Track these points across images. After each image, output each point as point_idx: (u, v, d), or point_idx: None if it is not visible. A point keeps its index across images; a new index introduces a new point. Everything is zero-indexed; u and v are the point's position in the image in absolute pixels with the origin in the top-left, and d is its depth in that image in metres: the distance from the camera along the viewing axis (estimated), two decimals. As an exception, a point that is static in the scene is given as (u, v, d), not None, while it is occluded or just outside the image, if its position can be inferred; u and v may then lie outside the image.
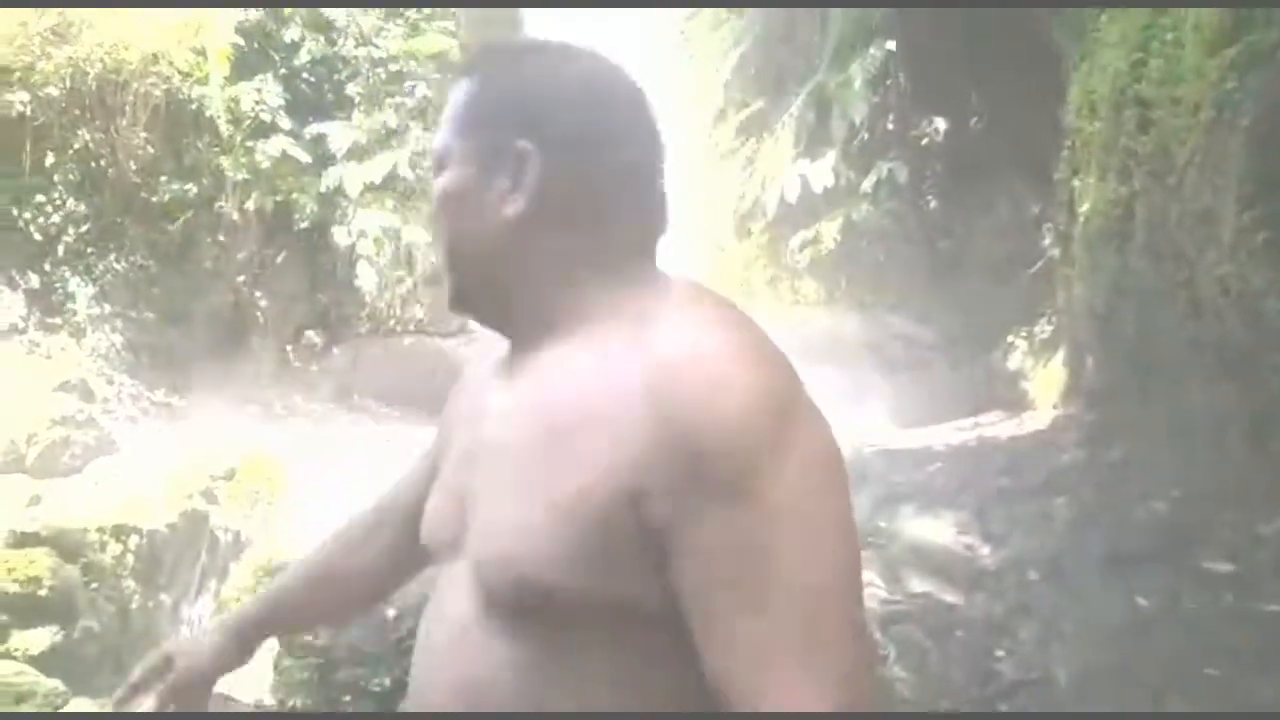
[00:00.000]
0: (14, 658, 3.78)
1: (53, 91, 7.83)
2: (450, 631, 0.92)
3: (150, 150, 8.35)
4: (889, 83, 7.79)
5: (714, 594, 0.78)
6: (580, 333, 0.89)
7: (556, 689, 0.85)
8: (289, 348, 9.22)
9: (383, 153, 9.22)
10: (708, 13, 9.24)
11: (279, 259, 9.20)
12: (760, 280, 8.31)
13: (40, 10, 7.64)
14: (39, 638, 3.89)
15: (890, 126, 7.80)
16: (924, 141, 7.71)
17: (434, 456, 1.12)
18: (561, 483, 0.83)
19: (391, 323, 9.60)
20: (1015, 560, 4.52)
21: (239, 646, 1.24)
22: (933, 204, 7.68)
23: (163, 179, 8.42)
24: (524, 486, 0.85)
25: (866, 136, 7.69)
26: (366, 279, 9.21)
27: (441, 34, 9.75)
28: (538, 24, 10.20)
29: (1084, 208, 5.78)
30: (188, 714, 1.20)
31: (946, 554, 4.65)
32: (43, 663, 3.77)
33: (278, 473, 5.99)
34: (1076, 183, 5.94)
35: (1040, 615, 4.02)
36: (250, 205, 8.80)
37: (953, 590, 4.36)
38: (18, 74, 7.67)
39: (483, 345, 1.13)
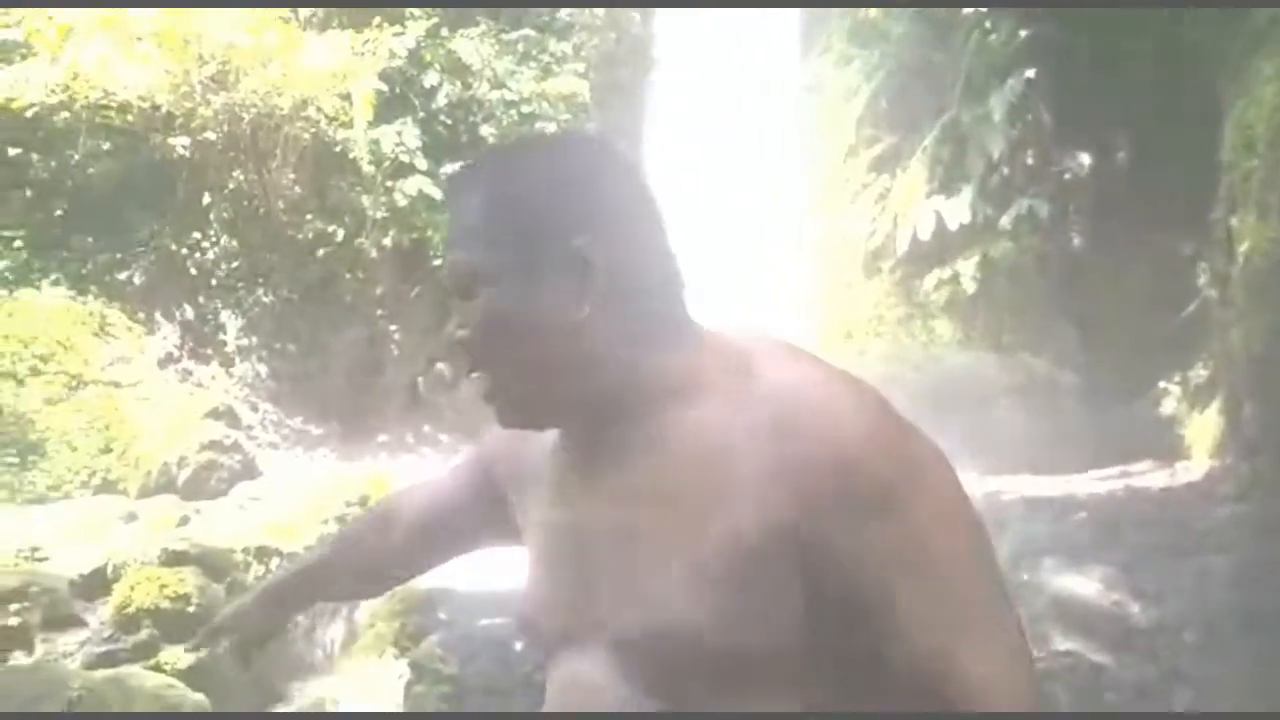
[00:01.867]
0: (164, 671, 3.94)
1: (210, 136, 8.30)
2: (612, 715, 0.89)
3: (297, 190, 8.75)
4: (1029, 116, 7.55)
5: (893, 590, 0.80)
6: (676, 401, 0.89)
7: None
8: (420, 379, 9.47)
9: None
10: (836, 49, 9.16)
11: (413, 294, 9.49)
12: (891, 319, 8.11)
13: (202, 59, 8.13)
14: (187, 654, 4.04)
15: (1030, 161, 7.55)
16: (1066, 176, 7.43)
17: (471, 499, 1.20)
18: (707, 540, 0.83)
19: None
20: (1169, 620, 4.27)
21: (281, 614, 1.43)
22: (1076, 241, 7.38)
23: (308, 217, 8.81)
24: (666, 556, 0.85)
25: (1006, 171, 7.46)
26: (495, 314, 9.40)
27: (573, 75, 9.95)
28: (667, 68, 10.29)
29: (1243, 247, 5.46)
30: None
31: (1093, 611, 4.41)
32: (189, 677, 3.91)
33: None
34: (1234, 221, 5.63)
35: (1195, 680, 3.79)
36: (388, 242, 9.11)
37: (1101, 650, 4.14)
38: (180, 119, 8.17)
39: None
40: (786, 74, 9.59)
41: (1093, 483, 6.29)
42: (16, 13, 7.87)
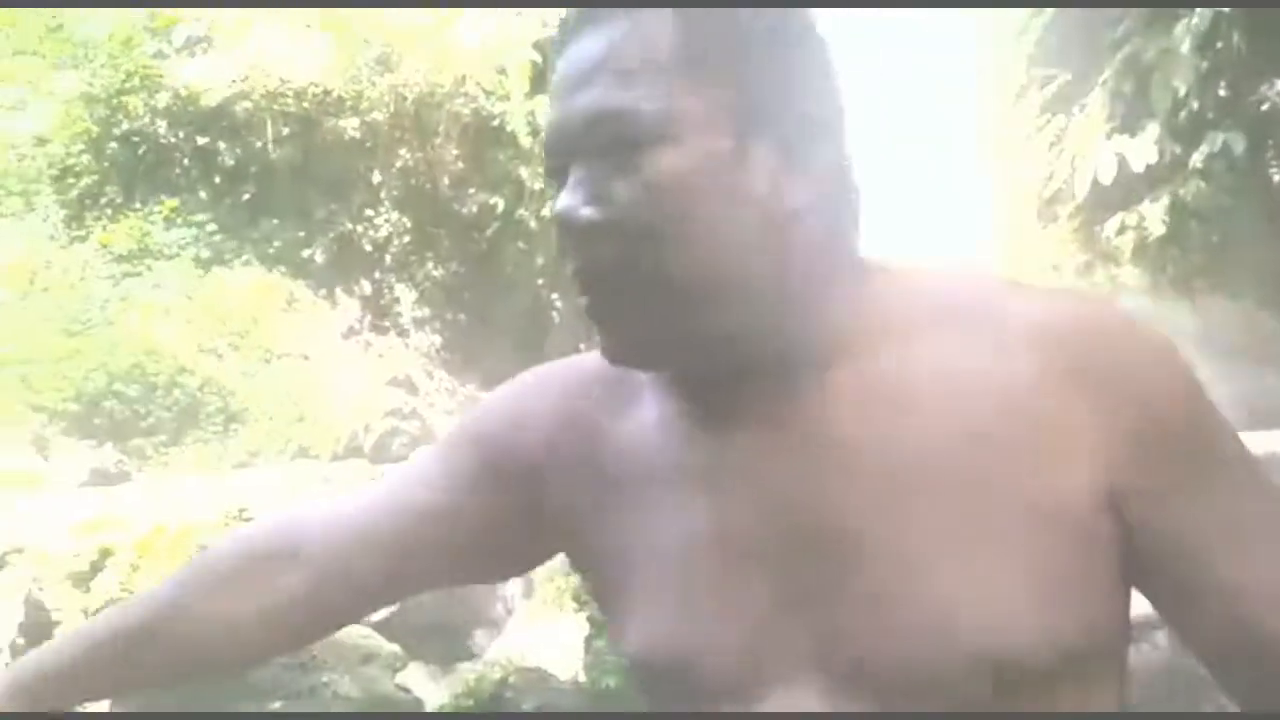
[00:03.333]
0: (360, 622, 4.19)
1: (378, 116, 8.64)
2: None
3: (460, 165, 9.01)
4: (1220, 44, 6.96)
5: (1249, 553, 0.65)
6: (901, 339, 0.67)
7: None
8: (581, 346, 9.65)
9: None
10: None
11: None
12: (1071, 268, 7.70)
13: (367, 43, 8.45)
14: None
15: (1222, 93, 6.97)
16: (1264, 107, 6.82)
17: (457, 515, 0.79)
18: (1019, 521, 0.63)
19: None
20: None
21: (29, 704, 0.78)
22: (1277, 178, 6.78)
23: (470, 191, 9.07)
24: (959, 551, 0.63)
25: (1195, 105, 6.92)
26: (653, 279, 9.47)
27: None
28: (832, 22, 10.02)
29: None
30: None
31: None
32: (383, 628, 4.15)
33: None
34: None
35: None
36: (546, 212, 9.29)
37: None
38: (349, 102, 8.54)
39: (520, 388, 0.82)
40: (950, 13, 9.20)
41: (1302, 437, 5.82)
42: (197, 8, 8.38)
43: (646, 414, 0.73)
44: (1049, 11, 7.97)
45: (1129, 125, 7.21)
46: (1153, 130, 7.04)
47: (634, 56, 0.65)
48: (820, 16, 0.73)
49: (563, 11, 0.71)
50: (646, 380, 0.74)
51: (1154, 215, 7.00)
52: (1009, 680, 0.62)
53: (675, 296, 0.65)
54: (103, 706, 3.92)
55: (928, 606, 0.63)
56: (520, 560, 0.85)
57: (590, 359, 0.77)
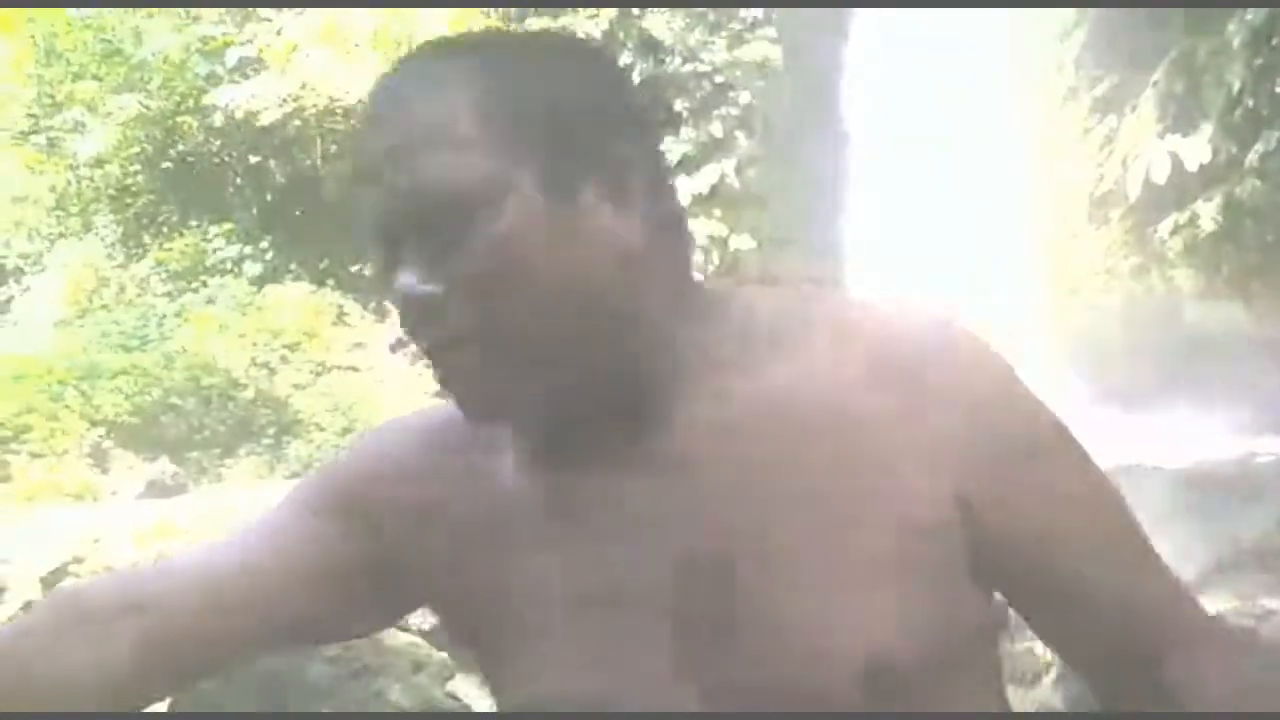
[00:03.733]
0: (409, 631, 4.23)
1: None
2: None
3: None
4: (1274, 40, 6.82)
5: (1088, 543, 0.69)
6: (742, 368, 0.67)
7: None
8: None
9: (709, 164, 9.45)
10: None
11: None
12: (1124, 270, 7.57)
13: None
14: (429, 615, 4.32)
15: (1278, 90, 6.82)
16: (1323, 103, 6.66)
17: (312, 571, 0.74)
18: (873, 532, 0.64)
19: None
20: None
21: None
22: (1337, 174, 6.61)
23: (515, 203, 9.15)
24: (820, 569, 0.64)
25: (1250, 103, 6.77)
26: (699, 287, 9.48)
27: (765, 41, 9.83)
28: (865, 23, 9.99)
29: None
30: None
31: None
32: (432, 637, 4.18)
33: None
34: None
35: None
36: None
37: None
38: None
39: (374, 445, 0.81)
40: (991, 17, 9.10)
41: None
42: (248, 29, 8.57)
43: (506, 459, 0.73)
44: (1095, 11, 7.87)
45: (1181, 124, 7.08)
46: (1206, 129, 6.91)
47: (439, 130, 0.64)
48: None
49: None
50: (504, 427, 0.73)
51: (1207, 214, 6.87)
52: (881, 688, 0.63)
53: (524, 352, 0.65)
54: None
55: (797, 626, 0.64)
56: (378, 615, 0.81)
57: (449, 409, 0.74)
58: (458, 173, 0.63)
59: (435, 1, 8.59)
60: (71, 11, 9.22)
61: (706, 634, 0.66)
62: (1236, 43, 6.85)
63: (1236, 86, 6.89)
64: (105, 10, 9.23)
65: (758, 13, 9.96)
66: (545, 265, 0.64)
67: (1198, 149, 6.87)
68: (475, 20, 8.69)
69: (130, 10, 9.14)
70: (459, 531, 0.74)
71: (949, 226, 8.18)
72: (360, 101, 8.39)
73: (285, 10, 8.54)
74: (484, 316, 0.64)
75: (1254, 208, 6.75)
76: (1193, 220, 7.01)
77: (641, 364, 0.68)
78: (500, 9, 9.16)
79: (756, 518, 0.65)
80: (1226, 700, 0.69)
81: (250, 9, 8.77)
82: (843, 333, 0.68)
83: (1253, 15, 6.76)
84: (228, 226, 8.30)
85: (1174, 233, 7.19)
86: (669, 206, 0.70)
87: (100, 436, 6.46)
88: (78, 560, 4.57)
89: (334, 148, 8.59)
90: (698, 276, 0.72)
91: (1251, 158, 6.73)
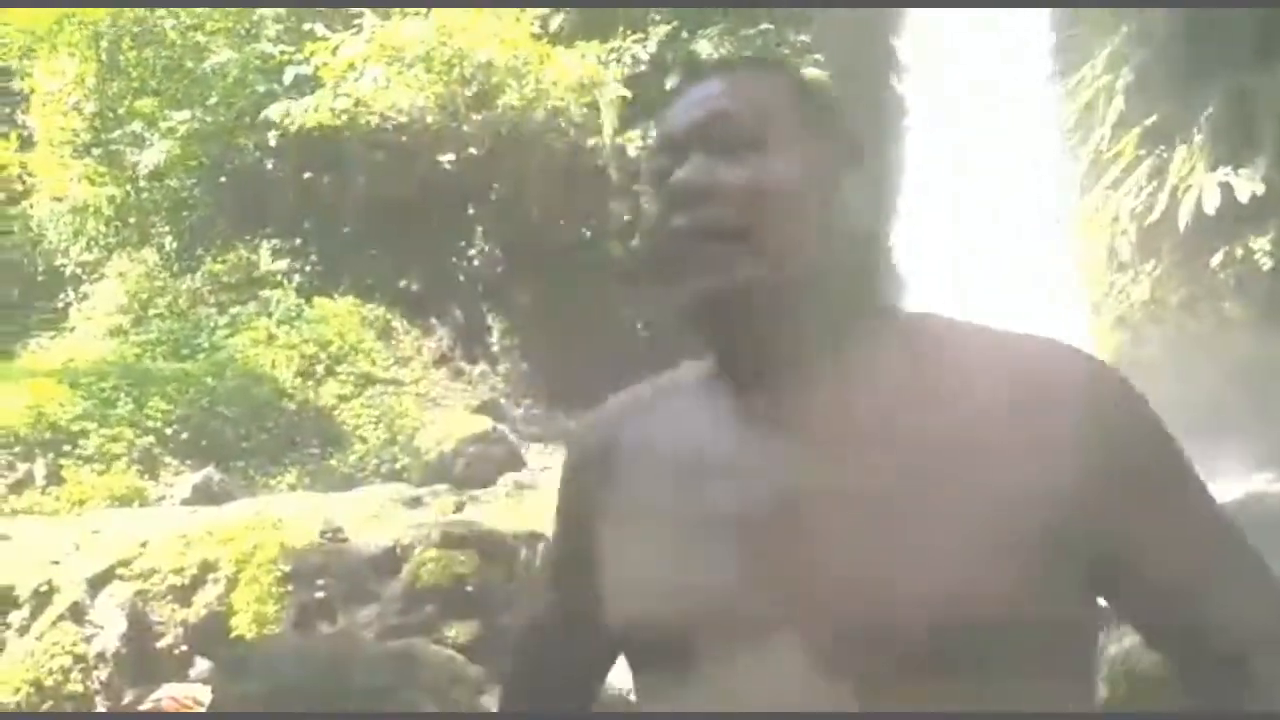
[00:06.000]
0: (446, 644, 4.25)
1: (473, 150, 8.88)
2: (826, 711, 0.74)
3: (551, 197, 9.19)
4: (1331, 72, 6.71)
5: (1200, 563, 0.78)
6: (892, 357, 0.81)
7: None
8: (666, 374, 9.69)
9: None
10: (1099, 16, 8.53)
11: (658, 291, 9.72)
12: (1173, 302, 7.45)
13: (464, 79, 8.71)
14: (466, 629, 4.36)
15: (1334, 123, 6.70)
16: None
17: (584, 540, 0.90)
18: (982, 505, 0.74)
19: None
20: None
21: None
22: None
23: (560, 223, 9.22)
24: (943, 527, 0.73)
25: (1306, 136, 6.67)
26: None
27: (813, 66, 9.85)
28: (915, 48, 9.97)
29: None
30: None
31: None
32: (469, 651, 4.21)
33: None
34: None
35: None
36: (634, 243, 9.38)
37: None
38: (446, 137, 8.79)
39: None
40: (1042, 42, 9.03)
41: None
42: (306, 48, 8.76)
43: (680, 415, 0.88)
44: (1148, 44, 7.79)
45: (1234, 156, 6.98)
46: (1260, 162, 6.81)
47: (757, 86, 0.85)
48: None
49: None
50: (683, 384, 0.89)
51: (1261, 248, 6.75)
52: (948, 640, 0.72)
53: (752, 252, 0.79)
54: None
55: (878, 573, 0.74)
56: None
57: (649, 382, 0.94)
58: (759, 113, 0.83)
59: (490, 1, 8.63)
60: (132, 23, 9.46)
61: (799, 565, 0.76)
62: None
63: (1292, 119, 6.78)
64: (167, 24, 9.48)
65: (805, 37, 9.98)
66: (795, 205, 0.81)
67: (1250, 180, 6.77)
68: (523, 40, 8.80)
69: (192, 26, 9.38)
70: (623, 473, 0.88)
71: (996, 254, 8.12)
72: (412, 120, 8.53)
73: (342, 30, 8.72)
74: (735, 217, 0.80)
75: (1309, 243, 6.63)
76: (1248, 254, 6.89)
77: (829, 311, 0.82)
78: (533, 12, 9.23)
79: (876, 481, 0.76)
80: None
81: (308, 27, 8.96)
82: (1005, 350, 0.80)
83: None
84: (278, 241, 8.46)
85: (1225, 265, 7.07)
86: (882, 227, 0.88)
87: (150, 443, 6.59)
88: (124, 563, 4.66)
89: (384, 163, 8.73)
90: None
91: (1307, 191, 6.62)
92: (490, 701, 4.23)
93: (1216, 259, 7.09)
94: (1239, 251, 6.95)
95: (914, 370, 0.79)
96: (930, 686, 0.72)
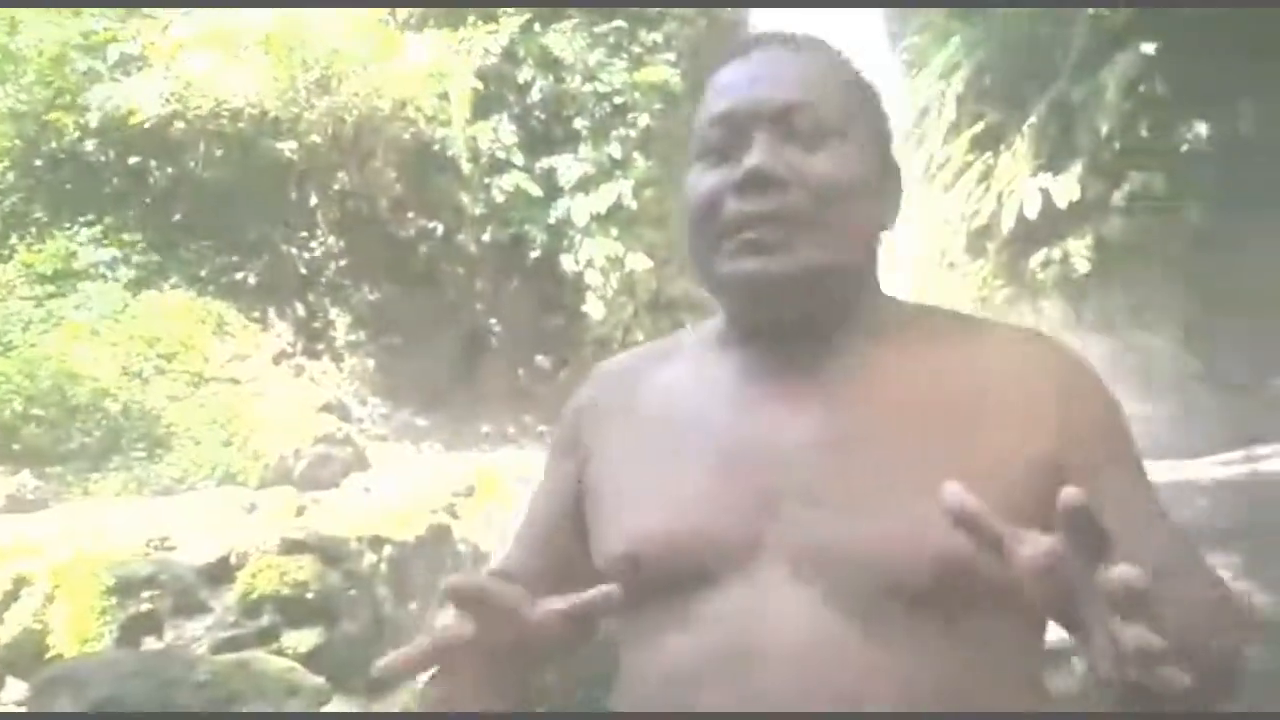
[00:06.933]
0: (286, 655, 4.10)
1: (316, 139, 8.56)
2: (809, 642, 0.80)
3: (399, 189, 8.96)
4: (1142, 88, 7.22)
5: (1137, 526, 0.85)
6: (893, 333, 0.93)
7: (985, 683, 0.84)
8: (520, 371, 9.61)
9: (608, 183, 9.47)
10: (936, 24, 8.94)
11: (512, 287, 9.63)
12: (998, 300, 7.90)
13: (306, 65, 8.38)
14: (306, 638, 4.21)
15: (1145, 134, 7.22)
16: (1184, 149, 7.08)
17: (574, 480, 1.00)
18: (970, 461, 0.82)
19: (615, 347, 9.81)
20: (1301, 611, 4.07)
21: None
22: (1195, 217, 7.03)
23: (409, 215, 9.01)
24: (919, 471, 0.80)
25: (1118, 146, 7.16)
26: (593, 305, 9.47)
27: (664, 65, 9.93)
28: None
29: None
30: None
31: (1221, 601, 4.21)
32: (309, 661, 4.07)
33: (509, 490, 6.22)
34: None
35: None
36: (486, 237, 9.26)
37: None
38: (286, 124, 8.44)
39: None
40: (883, 52, 9.40)
41: (1216, 468, 6.02)
42: (132, 25, 8.24)
43: (684, 367, 0.98)
44: (980, 52, 8.21)
45: (1054, 163, 7.43)
46: (1077, 169, 7.27)
47: (831, 74, 0.94)
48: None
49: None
50: (689, 346, 1.00)
51: (1077, 251, 7.23)
52: (948, 578, 0.79)
53: (818, 239, 0.87)
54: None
55: (885, 513, 0.82)
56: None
57: (650, 343, 1.09)
58: (832, 105, 0.91)
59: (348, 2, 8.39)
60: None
61: (807, 501, 0.83)
62: (1110, 91, 7.23)
63: (1104, 130, 7.27)
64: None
65: (658, 36, 10.05)
66: (855, 188, 0.90)
67: (1068, 187, 7.23)
68: (371, 26, 8.55)
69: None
70: (622, 419, 0.98)
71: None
72: (249, 105, 8.15)
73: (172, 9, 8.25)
74: (805, 205, 0.88)
75: (1119, 246, 7.13)
76: (1065, 256, 7.36)
77: (865, 295, 0.94)
78: (399, 11, 9.03)
79: (891, 430, 0.85)
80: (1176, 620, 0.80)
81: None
82: (994, 333, 0.95)
83: (1126, 63, 7.15)
84: (101, 229, 7.95)
85: (1045, 267, 7.53)
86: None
87: (-45, 447, 6.09)
88: (-76, 579, 4.29)
89: (219, 151, 8.32)
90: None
91: (1117, 198, 7.11)
92: (329, 711, 4.10)
93: (1037, 259, 7.55)
94: (1057, 254, 7.41)
95: (917, 347, 0.90)
96: (919, 622, 0.80)
